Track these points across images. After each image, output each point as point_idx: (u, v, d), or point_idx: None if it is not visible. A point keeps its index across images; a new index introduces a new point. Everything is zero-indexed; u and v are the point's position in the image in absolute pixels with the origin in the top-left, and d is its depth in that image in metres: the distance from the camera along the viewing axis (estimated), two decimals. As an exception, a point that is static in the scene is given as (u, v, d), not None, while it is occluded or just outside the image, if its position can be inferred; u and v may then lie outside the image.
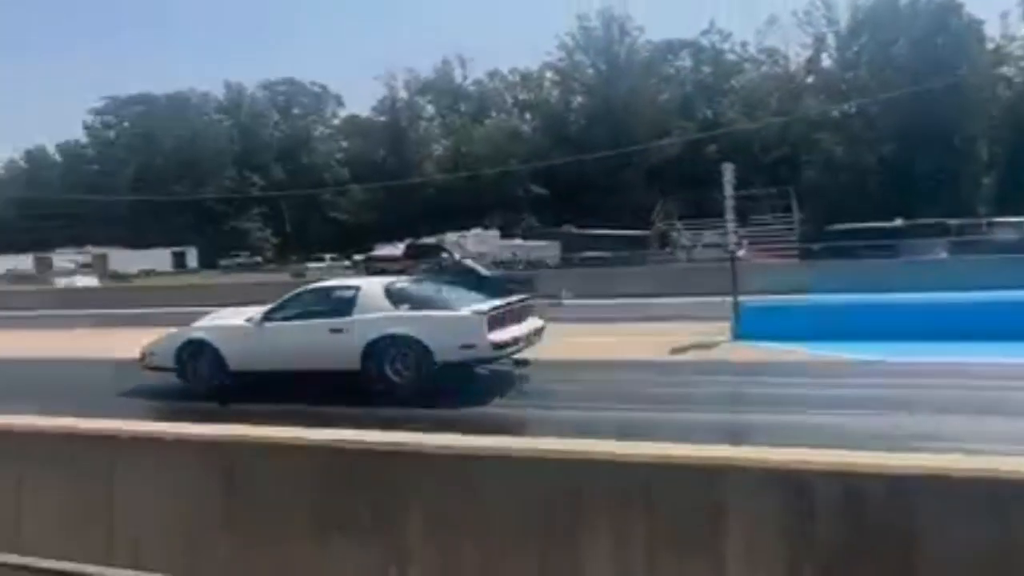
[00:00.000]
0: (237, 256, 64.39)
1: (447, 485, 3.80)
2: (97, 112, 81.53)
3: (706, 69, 65.99)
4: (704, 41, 65.59)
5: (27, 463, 4.99)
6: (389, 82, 75.50)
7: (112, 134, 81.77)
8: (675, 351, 11.45)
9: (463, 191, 59.88)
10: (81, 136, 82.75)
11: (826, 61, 60.56)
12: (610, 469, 3.52)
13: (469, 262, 22.76)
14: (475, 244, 38.48)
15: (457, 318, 9.12)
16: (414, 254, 31.91)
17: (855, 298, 14.34)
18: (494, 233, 43.50)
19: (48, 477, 4.91)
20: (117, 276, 51.87)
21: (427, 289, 10.81)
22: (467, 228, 42.21)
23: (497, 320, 9.13)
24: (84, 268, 52.66)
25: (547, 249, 37.80)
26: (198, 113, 79.97)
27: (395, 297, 9.59)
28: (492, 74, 75.30)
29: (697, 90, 64.71)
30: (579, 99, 68.67)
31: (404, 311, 9.31)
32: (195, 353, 9.87)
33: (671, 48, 66.29)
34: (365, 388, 9.02)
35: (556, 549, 3.56)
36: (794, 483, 3.14)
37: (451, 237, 38.72)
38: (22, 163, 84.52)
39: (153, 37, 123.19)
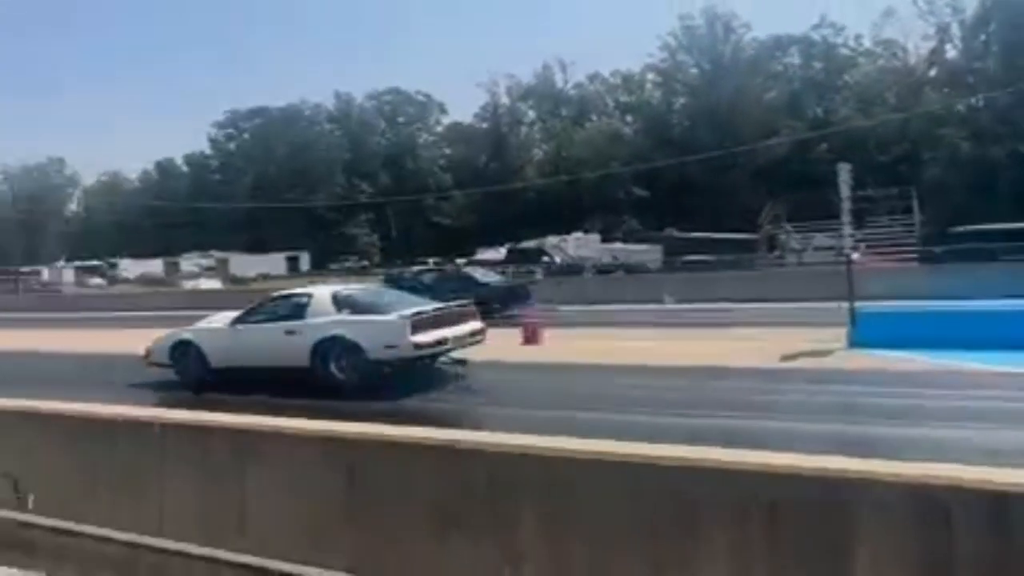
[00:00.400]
0: (346, 260, 66.98)
1: (559, 487, 3.88)
2: (219, 125, 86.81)
3: (817, 65, 63.31)
4: (815, 36, 62.95)
5: (166, 453, 5.44)
6: (491, 88, 76.74)
7: (232, 145, 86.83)
8: (785, 358, 11.09)
9: (564, 195, 59.99)
10: (206, 148, 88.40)
11: (950, 52, 56.97)
12: (722, 476, 3.51)
13: (468, 270, 24.27)
14: (575, 248, 38.48)
15: (383, 321, 10.08)
16: (516, 258, 32.29)
17: (978, 304, 13.46)
18: (595, 237, 43.34)
19: (185, 466, 5.33)
20: (237, 279, 54.96)
21: (370, 295, 11.97)
22: (568, 232, 42.26)
23: (422, 324, 9.91)
24: (208, 272, 56.14)
25: (648, 253, 37.32)
26: (310, 123, 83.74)
27: (340, 303, 10.71)
28: (593, 77, 75.12)
29: (807, 87, 62.18)
30: (682, 100, 67.41)
31: (345, 315, 10.34)
32: (184, 352, 11.21)
33: (779, 44, 64.01)
34: (314, 383, 9.97)
35: (668, 554, 3.58)
36: (927, 498, 3.02)
37: (552, 241, 38.87)
38: (154, 174, 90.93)
39: (271, 52, 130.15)
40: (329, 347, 10.04)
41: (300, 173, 76.96)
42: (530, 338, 13.46)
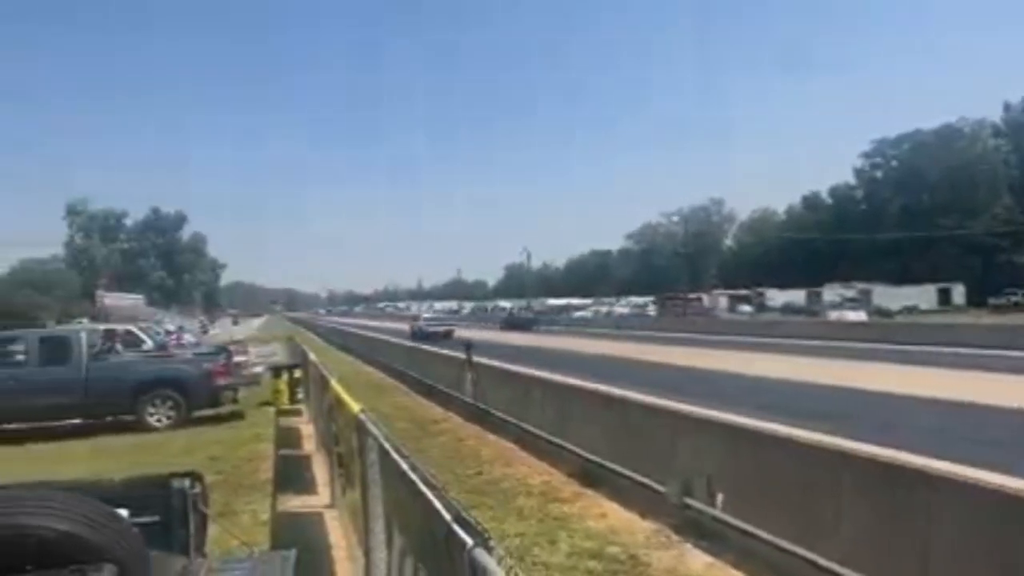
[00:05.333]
0: (1014, 294, 57.20)
1: None
2: (866, 155, 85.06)
3: None
4: None
5: (843, 480, 5.52)
6: None
7: (879, 174, 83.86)
8: None
9: None
10: (850, 179, 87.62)
11: None
12: None
13: (515, 310, 71.55)
14: None
15: (422, 322, 48.72)
16: None
17: None
18: None
19: (865, 497, 5.32)
20: (881, 311, 52.58)
21: (434, 316, 64.22)
22: None
23: (430, 325, 44.96)
24: (850, 303, 55.15)
25: None
26: (970, 142, 74.82)
27: (423, 319, 51.90)
28: None
29: None
30: None
31: (423, 322, 48.71)
32: (410, 329, 43.97)
33: None
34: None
35: None
36: None
37: None
38: (799, 208, 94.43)
39: (921, 75, 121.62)
40: (421, 328, 43.30)
41: (955, 197, 69.43)
42: None
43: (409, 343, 28.39)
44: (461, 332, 41.24)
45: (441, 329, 41.95)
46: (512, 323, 55.60)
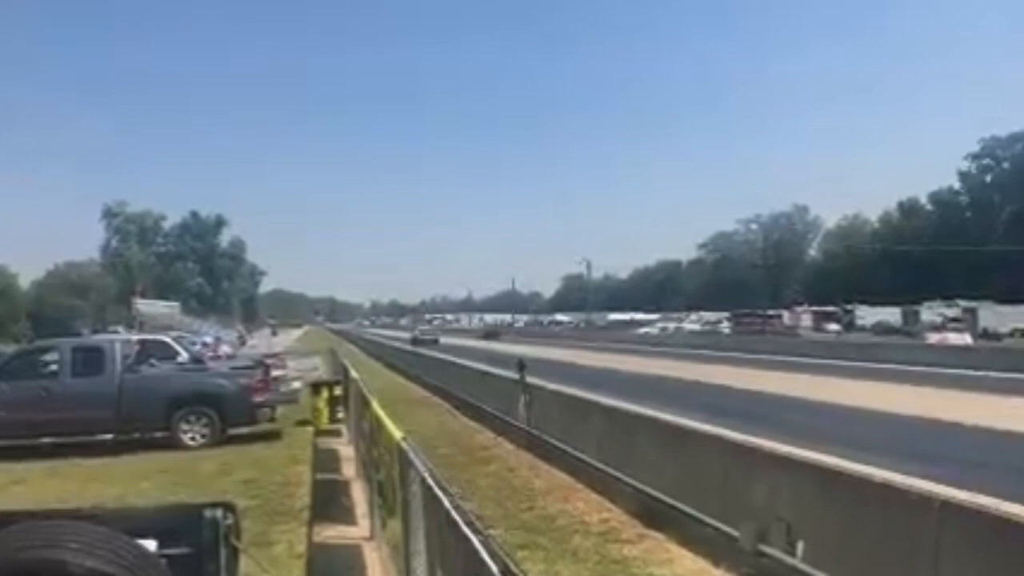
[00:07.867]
0: None
1: None
2: (974, 157, 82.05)
3: None
4: None
5: (944, 533, 5.32)
6: None
7: (988, 177, 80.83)
8: None
9: None
10: (955, 183, 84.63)
11: None
12: None
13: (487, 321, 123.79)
14: None
15: (417, 332, 71.76)
16: None
17: None
18: None
19: (967, 551, 5.12)
20: (988, 334, 50.51)
21: (431, 328, 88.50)
22: None
23: (423, 335, 66.12)
24: (953, 323, 52.92)
25: None
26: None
27: (418, 329, 77.30)
28: None
29: None
30: None
31: (418, 331, 71.72)
32: (411, 336, 65.54)
33: None
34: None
35: None
36: None
37: None
38: (895, 215, 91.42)
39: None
40: (417, 336, 63.68)
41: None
42: None
43: (449, 358, 30.43)
44: (493, 342, 59.29)
45: (429, 337, 62.56)
46: (488, 334, 79.79)
